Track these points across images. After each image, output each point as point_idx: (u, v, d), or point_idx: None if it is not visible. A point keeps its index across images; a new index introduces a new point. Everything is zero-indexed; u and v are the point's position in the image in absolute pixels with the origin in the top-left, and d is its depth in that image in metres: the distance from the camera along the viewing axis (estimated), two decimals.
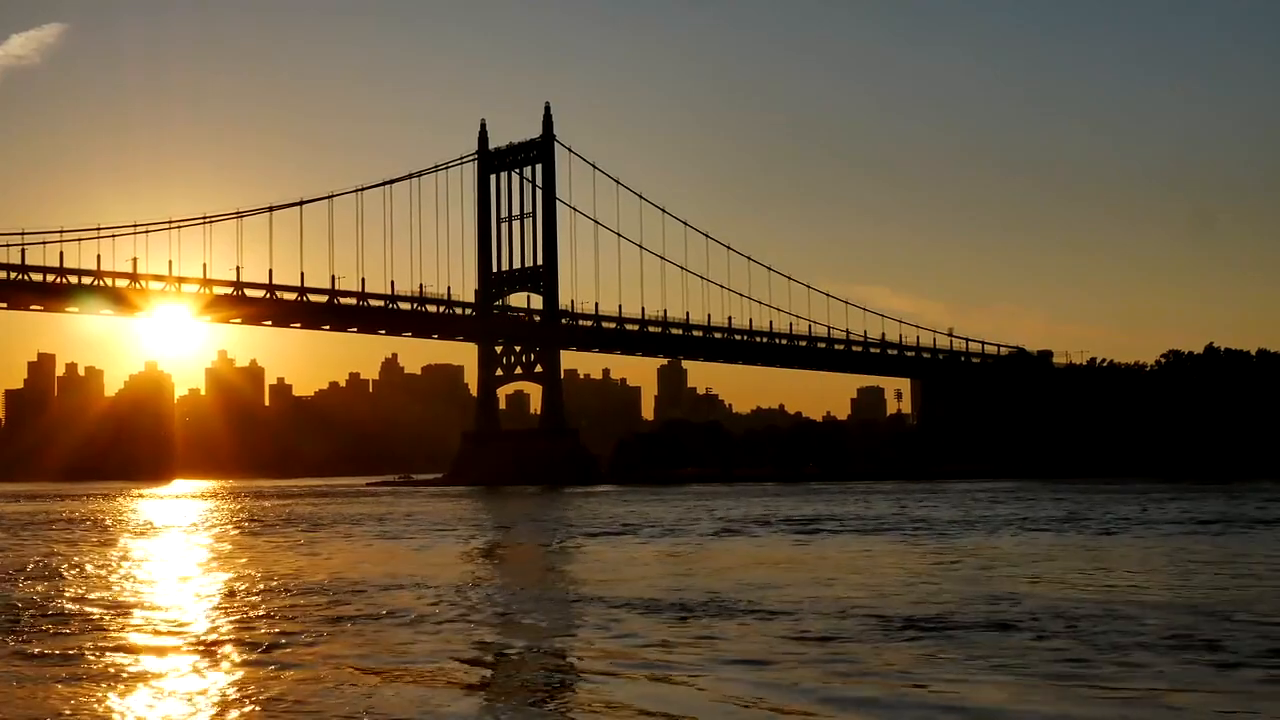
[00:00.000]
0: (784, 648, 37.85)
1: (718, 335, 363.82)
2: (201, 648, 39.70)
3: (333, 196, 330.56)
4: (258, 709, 30.09)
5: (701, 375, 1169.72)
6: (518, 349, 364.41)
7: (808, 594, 52.09)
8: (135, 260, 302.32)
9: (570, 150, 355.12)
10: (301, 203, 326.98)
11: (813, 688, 31.53)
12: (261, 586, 59.58)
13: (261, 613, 48.52)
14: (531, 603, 52.20)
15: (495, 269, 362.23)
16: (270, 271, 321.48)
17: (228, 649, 39.35)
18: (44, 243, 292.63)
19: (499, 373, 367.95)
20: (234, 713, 29.90)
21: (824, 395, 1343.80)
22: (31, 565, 76.63)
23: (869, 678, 32.84)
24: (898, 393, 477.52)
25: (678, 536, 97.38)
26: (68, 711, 29.98)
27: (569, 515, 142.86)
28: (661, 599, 51.25)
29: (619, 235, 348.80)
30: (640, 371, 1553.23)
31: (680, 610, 47.37)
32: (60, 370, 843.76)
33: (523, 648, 39.65)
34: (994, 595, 50.49)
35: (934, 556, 73.29)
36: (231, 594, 56.59)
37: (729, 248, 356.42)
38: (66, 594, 57.45)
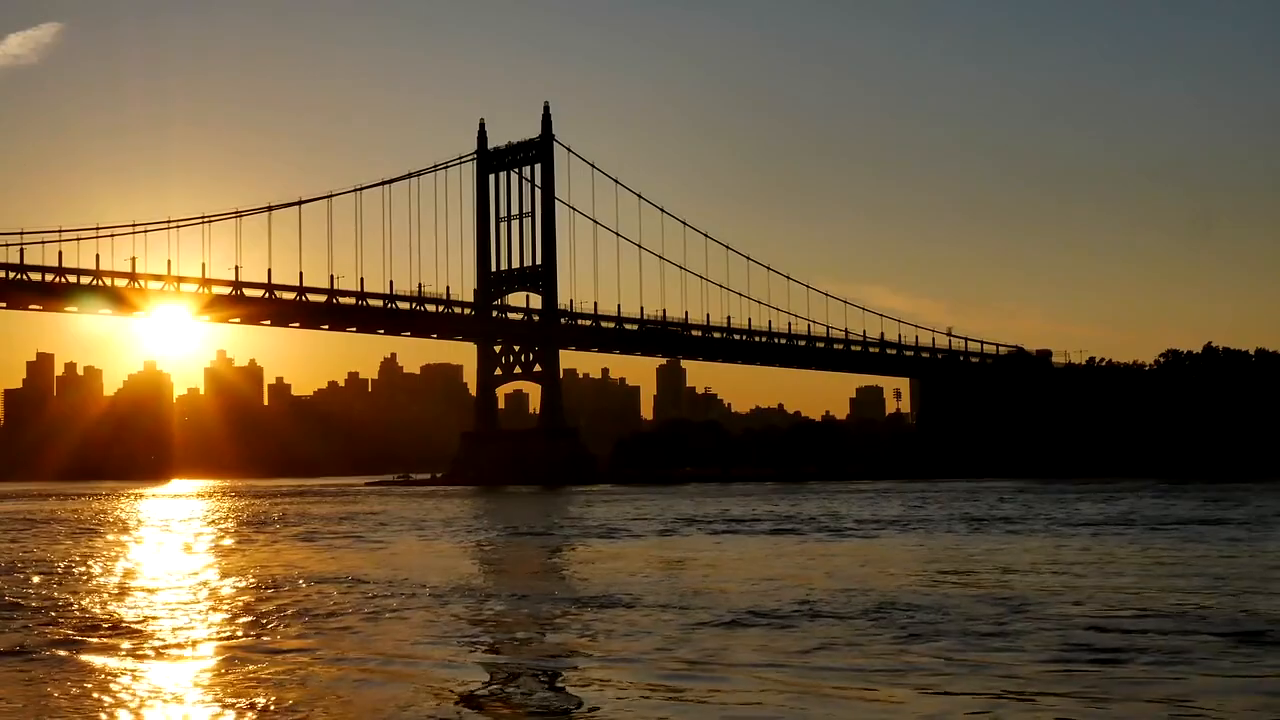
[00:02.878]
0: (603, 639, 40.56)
1: (716, 335, 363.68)
2: (164, 647, 39.66)
3: (331, 196, 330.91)
4: (240, 709, 30.00)
5: (700, 375, 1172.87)
6: (517, 348, 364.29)
7: (671, 589, 55.15)
8: (134, 260, 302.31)
9: (569, 150, 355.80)
10: (300, 202, 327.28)
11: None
12: (241, 585, 59.52)
13: (237, 611, 48.44)
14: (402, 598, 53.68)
15: (494, 268, 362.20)
16: (269, 271, 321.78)
17: (191, 648, 39.31)
18: (43, 242, 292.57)
19: (498, 372, 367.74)
20: (208, 712, 29.82)
21: (823, 395, 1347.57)
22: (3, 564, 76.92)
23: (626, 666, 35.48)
24: (896, 392, 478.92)
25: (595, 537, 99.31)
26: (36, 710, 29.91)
27: (520, 516, 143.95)
28: (526, 593, 54.75)
29: (618, 235, 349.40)
30: (639, 371, 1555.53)
31: (529, 604, 50.55)
32: (59, 370, 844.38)
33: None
34: (844, 590, 52.87)
35: (815, 553, 77.46)
36: (203, 593, 56.55)
37: (728, 247, 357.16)
38: (30, 592, 57.42)
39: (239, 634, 42.53)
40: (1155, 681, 31.39)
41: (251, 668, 35.39)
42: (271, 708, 29.90)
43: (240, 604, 51.77)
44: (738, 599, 50.52)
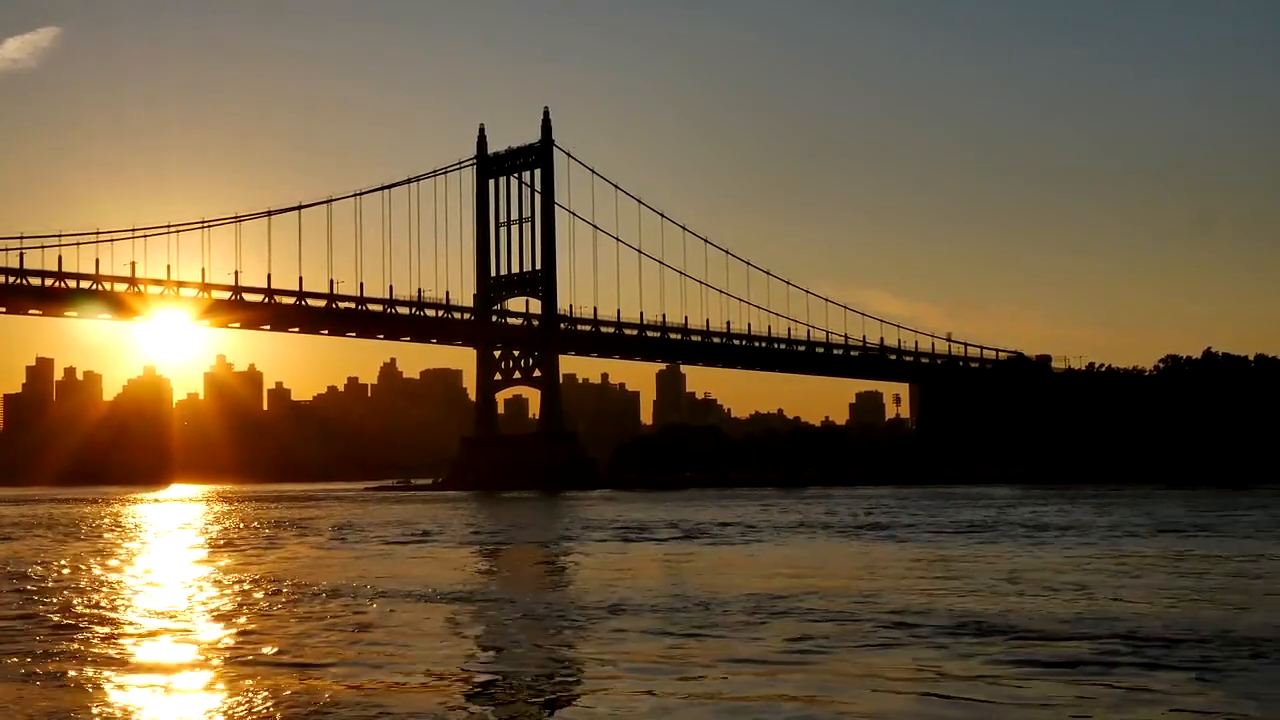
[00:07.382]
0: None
1: (716, 340, 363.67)
2: (149, 649, 39.68)
3: (331, 201, 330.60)
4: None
5: (700, 380, 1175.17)
6: (516, 353, 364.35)
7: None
8: (134, 264, 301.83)
9: (569, 155, 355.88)
10: (300, 207, 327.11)
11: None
12: (231, 588, 59.50)
13: (226, 616, 48.44)
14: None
15: (494, 273, 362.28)
16: (269, 276, 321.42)
17: (174, 652, 39.30)
18: (42, 247, 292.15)
19: (498, 377, 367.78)
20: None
21: (823, 400, 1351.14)
22: None
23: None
24: (896, 397, 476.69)
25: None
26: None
27: (489, 519, 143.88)
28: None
29: (617, 240, 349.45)
30: (639, 376, 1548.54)
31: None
32: (59, 375, 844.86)
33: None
34: (687, 590, 55.42)
35: (699, 557, 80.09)
36: (194, 595, 56.53)
37: (727, 252, 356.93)
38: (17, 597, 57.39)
39: (213, 640, 42.43)
40: (829, 660, 35.11)
41: (229, 678, 35.31)
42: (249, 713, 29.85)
43: (233, 608, 51.68)
44: (550, 597, 54.65)
